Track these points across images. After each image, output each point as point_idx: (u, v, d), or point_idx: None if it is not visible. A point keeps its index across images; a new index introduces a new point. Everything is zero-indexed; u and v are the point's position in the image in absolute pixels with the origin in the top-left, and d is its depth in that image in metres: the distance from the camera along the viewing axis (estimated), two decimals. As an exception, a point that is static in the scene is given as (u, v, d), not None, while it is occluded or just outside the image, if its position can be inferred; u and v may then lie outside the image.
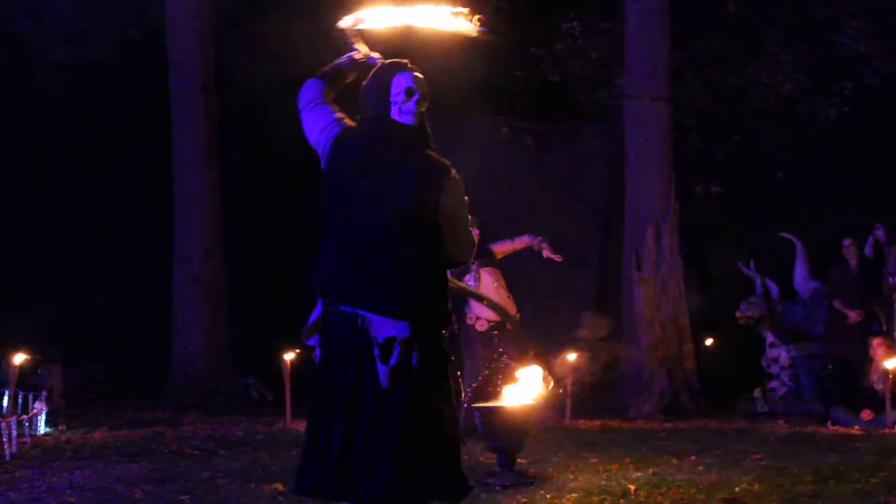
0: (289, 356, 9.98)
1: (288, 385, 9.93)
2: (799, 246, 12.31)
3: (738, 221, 15.02)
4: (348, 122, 4.43)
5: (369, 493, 4.11)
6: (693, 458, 7.19)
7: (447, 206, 4.32)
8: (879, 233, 11.42)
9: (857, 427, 9.33)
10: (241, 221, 13.89)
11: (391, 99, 4.35)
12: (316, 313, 4.34)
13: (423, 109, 4.37)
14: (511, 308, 8.51)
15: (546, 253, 8.74)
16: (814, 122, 14.31)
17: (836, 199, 14.26)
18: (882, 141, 14.30)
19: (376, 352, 4.15)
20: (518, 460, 6.33)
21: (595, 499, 5.64)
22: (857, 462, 6.83)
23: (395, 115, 4.35)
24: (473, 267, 8.48)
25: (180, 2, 13.15)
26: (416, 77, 4.38)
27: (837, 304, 11.16)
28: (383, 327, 4.16)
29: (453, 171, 4.37)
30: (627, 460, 7.09)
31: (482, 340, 8.63)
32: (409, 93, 4.34)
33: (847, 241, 11.29)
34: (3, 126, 14.17)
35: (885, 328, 10.70)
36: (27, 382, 10.65)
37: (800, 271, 12.30)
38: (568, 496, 5.69)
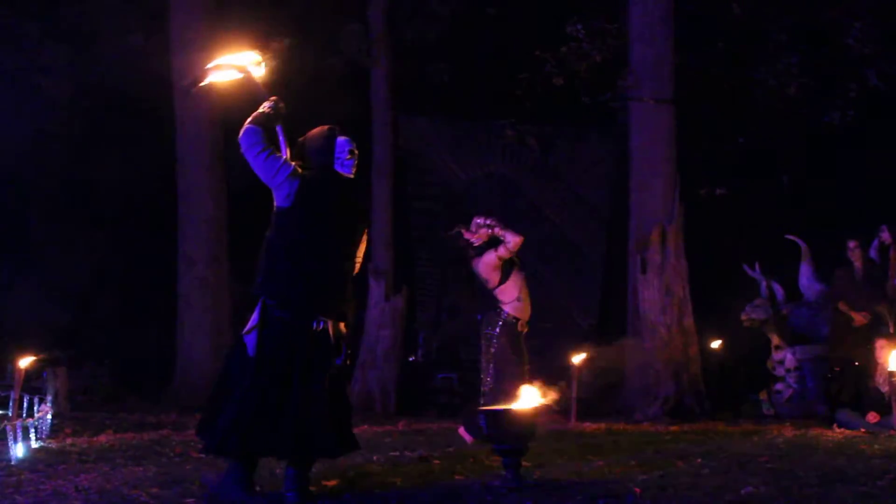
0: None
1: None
2: (804, 248, 12.30)
3: (742, 224, 15.01)
4: (298, 167, 5.72)
5: (308, 448, 5.54)
6: (698, 460, 7.18)
7: (364, 238, 5.97)
8: (884, 235, 11.41)
9: (862, 429, 9.32)
10: (247, 224, 13.89)
11: (336, 155, 5.82)
12: (255, 318, 5.64)
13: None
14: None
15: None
16: (818, 124, 14.30)
17: (841, 201, 14.24)
18: (887, 143, 14.28)
19: (332, 349, 5.64)
20: (523, 463, 6.31)
21: (600, 502, 5.63)
22: (864, 465, 6.81)
23: (337, 167, 5.81)
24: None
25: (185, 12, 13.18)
26: (352, 141, 5.86)
27: (842, 307, 11.15)
28: (335, 331, 5.68)
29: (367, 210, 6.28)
30: (633, 463, 7.08)
31: (522, 340, 8.55)
32: (350, 153, 5.83)
33: (852, 244, 11.27)
34: (7, 127, 14.19)
35: (891, 330, 10.68)
36: (32, 386, 10.67)
37: (805, 273, 12.29)
38: (573, 499, 5.69)
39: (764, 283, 12.42)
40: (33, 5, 14.45)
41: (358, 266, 5.95)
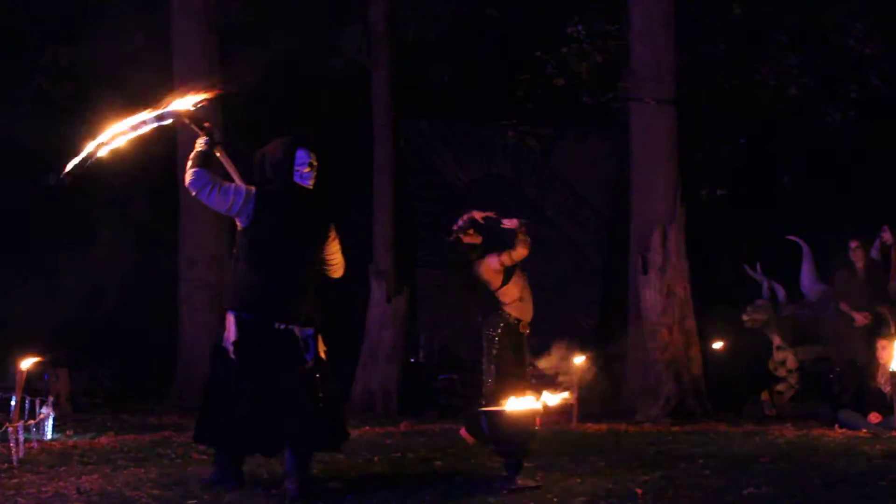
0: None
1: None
2: (805, 248, 12.30)
3: (743, 224, 15.01)
4: (246, 185, 5.94)
5: (299, 441, 5.81)
6: (700, 461, 7.17)
7: (333, 245, 6.16)
8: (886, 235, 11.41)
9: (864, 430, 9.31)
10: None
11: (295, 167, 5.97)
12: (232, 326, 5.88)
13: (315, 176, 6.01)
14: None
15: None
16: (820, 124, 14.30)
17: (842, 201, 14.24)
18: (888, 143, 14.28)
19: (301, 346, 5.89)
20: (525, 464, 6.31)
21: (602, 502, 5.63)
22: (866, 465, 6.81)
23: (297, 179, 5.98)
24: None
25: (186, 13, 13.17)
26: (312, 153, 6.00)
27: (844, 307, 11.15)
28: (301, 331, 5.92)
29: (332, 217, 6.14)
30: (635, 464, 7.08)
31: (524, 341, 8.55)
32: (310, 165, 6.00)
33: (853, 244, 11.27)
34: (7, 127, 14.19)
35: (892, 330, 10.68)
36: (34, 387, 10.65)
37: (806, 274, 12.29)
38: (575, 500, 5.69)
39: (765, 284, 12.42)
40: (34, 6, 14.46)
41: (337, 269, 6.24)
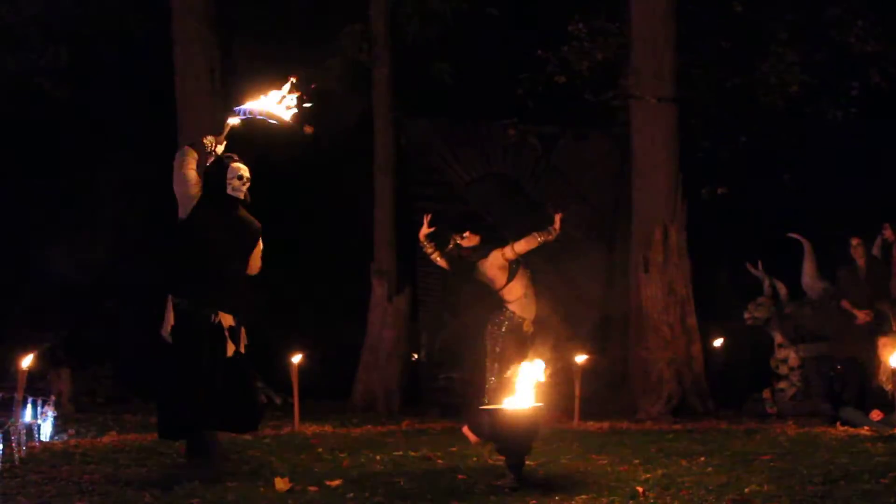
0: (296, 359, 9.99)
1: (296, 388, 9.95)
2: (807, 246, 12.29)
3: (744, 222, 15.00)
4: (199, 189, 6.90)
5: (233, 421, 6.95)
6: (702, 459, 7.18)
7: (256, 251, 7.14)
8: (887, 232, 11.41)
9: (866, 427, 9.31)
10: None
11: (227, 181, 6.94)
12: (169, 313, 6.90)
13: (246, 188, 6.98)
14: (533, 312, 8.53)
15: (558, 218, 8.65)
16: (820, 122, 14.29)
17: (843, 199, 14.23)
18: (889, 141, 14.27)
19: (227, 334, 6.84)
20: (527, 462, 6.32)
21: (604, 500, 5.63)
22: (867, 463, 6.81)
23: (229, 191, 6.94)
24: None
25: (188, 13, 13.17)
26: (241, 168, 6.98)
27: (845, 305, 11.15)
28: (225, 321, 6.84)
29: (259, 226, 7.13)
30: (636, 462, 7.09)
31: (528, 341, 8.56)
32: (239, 178, 6.97)
33: (855, 241, 11.28)
34: (11, 130, 14.20)
35: (894, 328, 10.67)
36: (36, 387, 10.67)
37: (808, 272, 12.29)
38: (577, 498, 5.69)
39: (767, 282, 12.42)
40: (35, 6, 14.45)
41: (252, 269, 7.16)
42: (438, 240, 8.78)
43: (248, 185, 7.03)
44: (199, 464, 6.71)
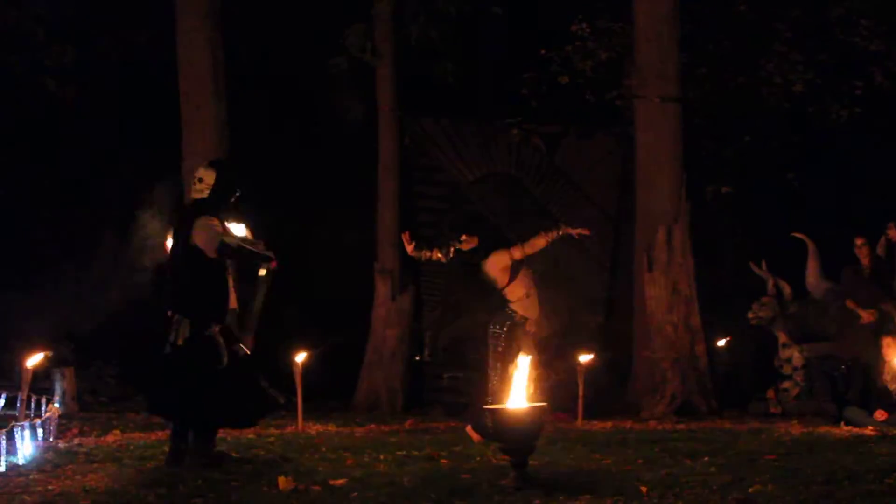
0: (300, 358, 10.00)
1: (299, 388, 9.95)
2: (811, 246, 12.28)
3: (748, 222, 14.99)
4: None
5: (233, 416, 7.07)
6: (706, 458, 7.17)
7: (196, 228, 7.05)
8: (891, 232, 11.40)
9: (870, 427, 9.31)
10: (250, 223, 13.89)
11: (192, 184, 7.03)
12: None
13: (205, 189, 6.95)
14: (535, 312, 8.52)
15: (573, 232, 8.66)
16: (825, 121, 14.27)
17: (847, 198, 14.21)
18: (893, 140, 14.25)
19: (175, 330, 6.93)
20: (530, 462, 6.31)
21: (608, 500, 5.63)
22: (871, 463, 6.80)
23: (193, 193, 7.02)
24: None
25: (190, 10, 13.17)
26: (203, 170, 6.99)
27: (850, 304, 11.14)
28: (185, 320, 6.93)
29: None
30: (640, 461, 7.08)
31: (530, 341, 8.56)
32: (199, 180, 6.96)
33: (859, 241, 11.27)
34: (15, 128, 14.20)
35: (898, 328, 10.67)
36: (40, 386, 10.69)
37: (812, 271, 12.28)
38: (580, 498, 5.68)
39: (770, 281, 12.41)
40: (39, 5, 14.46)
41: (206, 249, 7.02)
42: (436, 244, 8.75)
43: (206, 188, 7.02)
44: (190, 468, 6.71)
